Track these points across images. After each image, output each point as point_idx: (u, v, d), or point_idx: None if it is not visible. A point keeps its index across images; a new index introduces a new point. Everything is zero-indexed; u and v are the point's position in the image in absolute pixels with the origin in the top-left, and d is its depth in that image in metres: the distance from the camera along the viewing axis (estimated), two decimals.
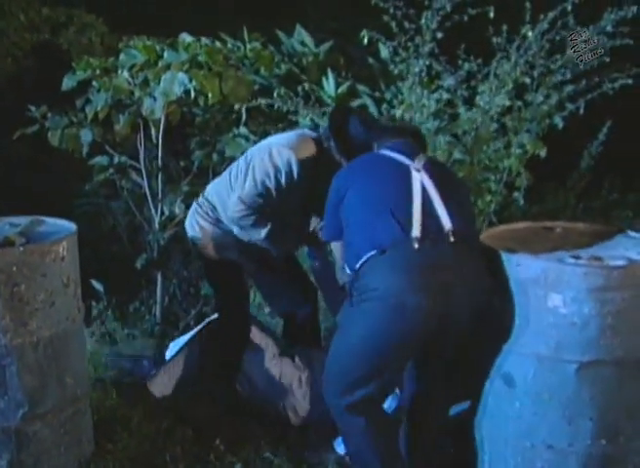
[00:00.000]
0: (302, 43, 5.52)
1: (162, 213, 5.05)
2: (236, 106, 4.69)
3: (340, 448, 3.58)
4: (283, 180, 3.60)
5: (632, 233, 3.42)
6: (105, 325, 4.74)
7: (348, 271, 3.14)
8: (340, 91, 4.97)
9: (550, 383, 3.11)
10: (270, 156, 3.60)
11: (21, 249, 3.22)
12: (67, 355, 3.40)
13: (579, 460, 3.15)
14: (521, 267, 3.09)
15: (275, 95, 4.83)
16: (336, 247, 3.36)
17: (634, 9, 4.12)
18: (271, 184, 3.61)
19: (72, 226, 3.49)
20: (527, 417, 3.17)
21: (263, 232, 3.68)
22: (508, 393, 3.20)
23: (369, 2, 4.49)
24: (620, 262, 3.07)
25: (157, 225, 5.06)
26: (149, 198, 5.06)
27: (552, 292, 3.04)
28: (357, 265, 3.04)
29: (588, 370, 3.06)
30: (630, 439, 3.18)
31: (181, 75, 4.68)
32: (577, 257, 3.13)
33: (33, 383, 3.30)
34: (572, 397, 3.09)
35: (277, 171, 3.60)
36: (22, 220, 3.60)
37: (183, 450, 3.60)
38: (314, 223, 3.87)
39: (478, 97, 4.33)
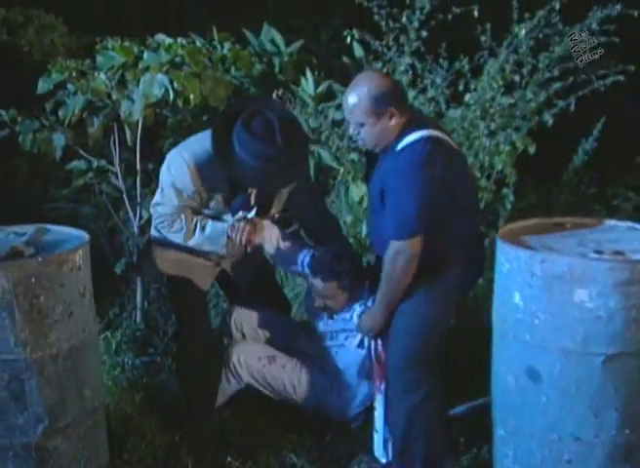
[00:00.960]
0: (272, 42, 5.48)
1: (140, 216, 4.94)
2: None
3: (381, 453, 3.59)
4: (181, 183, 3.53)
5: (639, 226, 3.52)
6: None
7: None
8: (319, 90, 4.95)
9: (577, 376, 3.17)
10: (167, 162, 3.58)
11: (39, 259, 3.12)
12: (85, 366, 3.32)
13: (604, 451, 3.23)
14: (546, 263, 3.15)
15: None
16: None
17: (618, 7, 4.22)
18: (174, 187, 3.54)
19: (83, 234, 3.41)
20: (554, 411, 3.23)
21: (181, 236, 3.62)
22: (534, 388, 3.26)
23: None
24: None
25: (136, 229, 4.95)
26: (127, 201, 4.94)
27: (578, 287, 3.11)
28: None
29: (614, 362, 3.14)
30: None
31: (161, 76, 4.58)
32: (600, 252, 3.21)
33: (53, 397, 3.21)
34: (598, 389, 3.17)
35: (170, 174, 3.55)
36: (26, 229, 3.50)
37: (199, 460, 3.55)
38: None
39: (468, 96, 4.37)
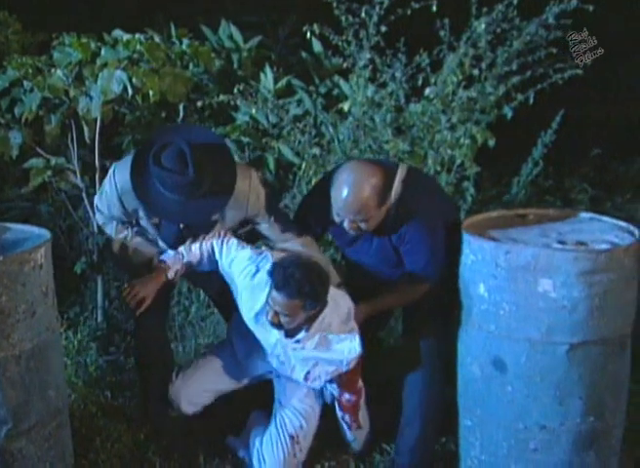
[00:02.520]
0: (231, 38, 5.46)
1: None
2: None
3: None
4: (111, 201, 3.53)
5: (601, 217, 3.57)
6: None
7: None
8: (278, 85, 4.94)
9: (542, 366, 3.21)
10: (109, 173, 3.57)
11: (0, 258, 3.05)
12: (48, 367, 3.25)
13: (569, 438, 3.28)
14: (511, 254, 3.18)
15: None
16: None
17: (574, 2, 4.28)
18: (107, 199, 3.56)
19: (44, 232, 3.34)
20: (519, 400, 3.27)
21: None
22: (500, 378, 3.29)
23: None
24: (605, 246, 3.20)
25: (95, 228, 4.88)
26: (86, 199, 4.88)
27: (542, 277, 3.15)
28: None
29: (577, 350, 3.19)
30: (614, 414, 3.34)
31: (119, 73, 4.53)
32: (563, 243, 3.24)
33: (17, 398, 3.14)
34: (562, 378, 3.21)
35: (107, 187, 3.55)
36: None
37: (166, 459, 3.52)
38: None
39: (428, 90, 4.39)
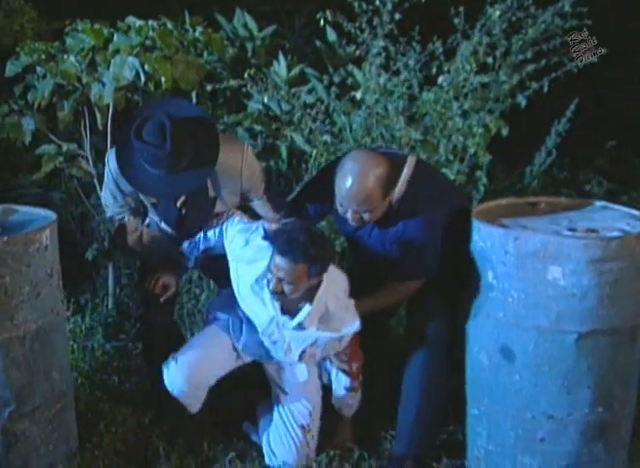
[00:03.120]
0: (245, 27, 5.43)
1: None
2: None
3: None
4: (110, 186, 3.53)
5: (613, 205, 3.51)
6: None
7: None
8: (291, 74, 4.91)
9: (550, 354, 3.17)
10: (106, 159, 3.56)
11: (5, 239, 3.05)
12: (53, 349, 3.25)
13: (577, 429, 3.23)
14: (519, 241, 3.13)
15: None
16: None
17: None
18: (108, 187, 3.55)
19: (50, 214, 3.34)
20: (527, 389, 3.22)
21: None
22: (508, 367, 3.25)
23: None
24: (616, 233, 3.15)
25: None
26: (98, 186, 4.87)
27: (552, 264, 3.10)
28: None
29: (587, 339, 3.14)
30: (623, 405, 3.29)
31: (132, 59, 4.52)
32: (573, 230, 3.20)
33: (21, 380, 3.15)
34: (571, 367, 3.16)
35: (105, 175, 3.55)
36: None
37: (170, 443, 3.51)
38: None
39: (441, 78, 4.35)
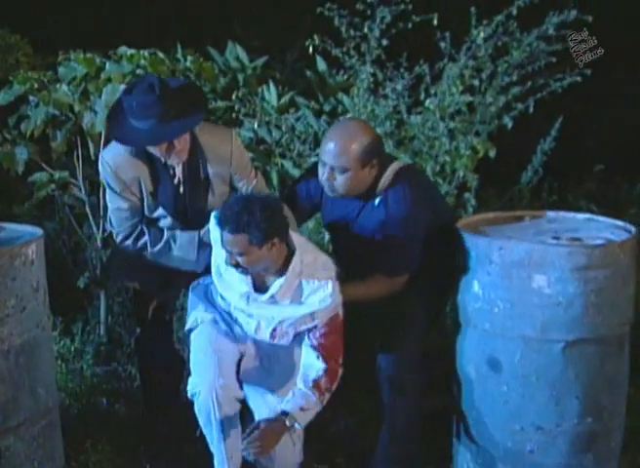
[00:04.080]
0: (237, 58, 5.51)
1: (104, 229, 4.89)
2: None
3: None
4: (113, 184, 3.49)
5: (598, 218, 3.53)
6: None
7: None
8: (281, 102, 4.96)
9: (537, 364, 3.16)
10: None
11: None
12: (38, 364, 3.24)
13: (566, 440, 3.20)
14: (504, 250, 3.14)
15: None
16: None
17: (574, 13, 4.29)
18: (112, 190, 3.51)
19: (38, 230, 3.36)
20: (515, 400, 3.21)
21: (144, 252, 3.56)
22: (495, 378, 3.23)
23: (295, 21, 4.53)
24: (600, 241, 3.16)
25: (99, 242, 4.90)
26: (90, 215, 4.90)
27: (536, 273, 3.11)
28: None
29: (573, 348, 3.13)
30: (612, 416, 3.27)
31: (123, 87, 4.57)
32: (557, 239, 3.21)
33: (5, 394, 3.12)
34: (558, 377, 3.15)
35: (104, 179, 3.53)
36: None
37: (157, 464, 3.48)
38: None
39: (428, 101, 4.40)
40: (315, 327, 3.16)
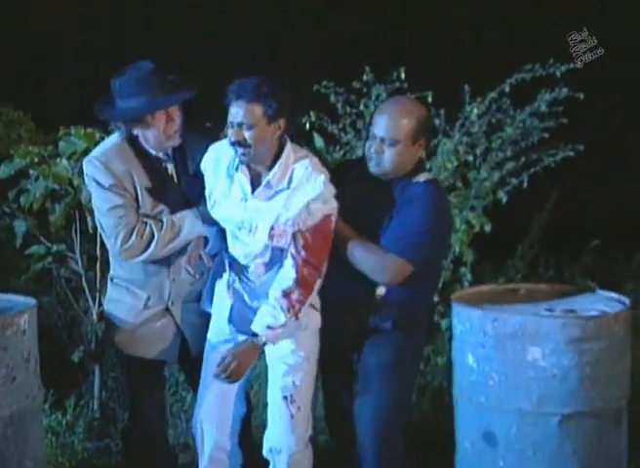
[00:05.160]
0: None
1: (100, 303, 4.88)
2: None
3: None
4: (104, 180, 3.35)
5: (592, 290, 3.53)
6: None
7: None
8: None
9: (534, 438, 3.12)
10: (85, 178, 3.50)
11: None
12: (27, 435, 3.20)
13: None
14: (498, 322, 3.14)
15: None
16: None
17: (565, 90, 4.37)
18: (104, 188, 3.38)
19: (30, 300, 3.36)
20: None
21: (152, 246, 3.31)
22: (492, 452, 3.19)
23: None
24: (595, 313, 3.15)
25: (94, 316, 4.88)
26: (86, 288, 4.90)
27: (531, 345, 3.10)
28: None
29: (570, 422, 3.10)
30: None
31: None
32: (551, 310, 3.20)
33: None
34: (555, 451, 3.11)
35: (92, 180, 3.42)
36: None
37: None
38: None
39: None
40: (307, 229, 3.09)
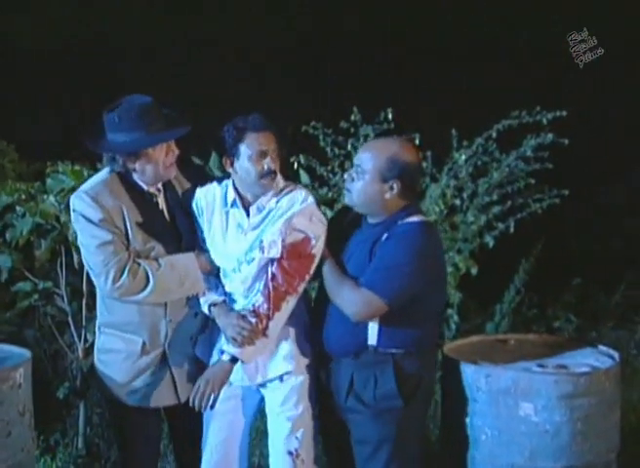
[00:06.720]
0: (220, 168, 5.60)
1: (85, 339, 4.87)
2: None
3: None
4: (92, 215, 3.26)
5: (580, 340, 3.60)
6: None
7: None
8: None
9: None
10: (72, 214, 3.39)
11: None
12: None
13: None
14: (491, 378, 3.18)
15: None
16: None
17: (550, 136, 4.45)
18: (92, 223, 3.28)
19: (25, 352, 3.36)
20: None
21: (147, 285, 3.23)
22: None
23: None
24: (586, 369, 3.21)
25: (80, 353, 4.87)
26: (72, 325, 4.88)
27: (523, 401, 3.15)
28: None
29: None
30: None
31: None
32: (543, 366, 3.26)
33: None
34: None
35: (79, 216, 3.32)
36: None
37: None
38: None
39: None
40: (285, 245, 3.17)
